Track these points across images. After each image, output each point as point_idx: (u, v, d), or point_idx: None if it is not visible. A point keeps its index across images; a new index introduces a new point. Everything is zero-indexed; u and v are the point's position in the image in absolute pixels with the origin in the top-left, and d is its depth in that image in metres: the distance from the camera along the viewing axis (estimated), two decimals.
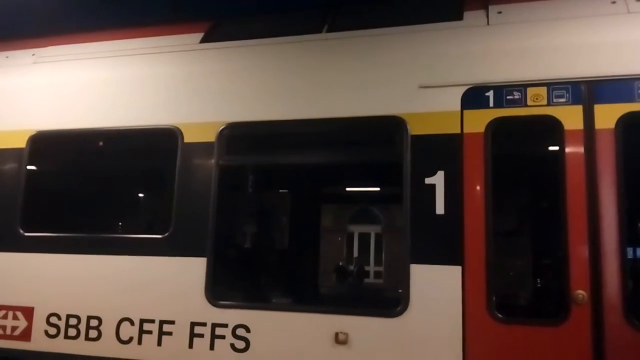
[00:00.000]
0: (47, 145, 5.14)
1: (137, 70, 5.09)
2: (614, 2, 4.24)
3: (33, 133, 5.08)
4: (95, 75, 5.17)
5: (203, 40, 5.12)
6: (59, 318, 4.69)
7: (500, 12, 4.46)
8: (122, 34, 5.49)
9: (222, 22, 5.41)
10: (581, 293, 3.70)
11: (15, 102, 5.27)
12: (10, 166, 5.11)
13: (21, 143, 5.09)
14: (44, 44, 5.67)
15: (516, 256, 5.70)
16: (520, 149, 4.93)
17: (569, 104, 3.97)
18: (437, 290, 3.93)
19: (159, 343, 4.41)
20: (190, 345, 4.34)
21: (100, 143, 5.25)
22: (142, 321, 4.49)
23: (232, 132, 4.61)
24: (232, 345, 4.26)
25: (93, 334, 4.59)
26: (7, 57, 5.68)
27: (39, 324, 4.73)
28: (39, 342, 4.70)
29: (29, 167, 5.08)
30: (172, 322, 4.41)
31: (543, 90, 4.03)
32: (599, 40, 4.08)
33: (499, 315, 3.83)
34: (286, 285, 6.24)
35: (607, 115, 3.88)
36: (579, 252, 3.77)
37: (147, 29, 5.51)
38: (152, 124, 4.83)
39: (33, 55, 5.57)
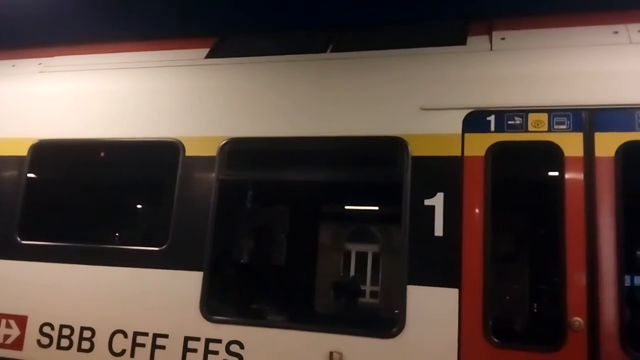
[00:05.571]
0: (49, 154, 5.14)
1: (142, 83, 5.12)
2: (616, 32, 4.30)
3: (35, 141, 5.10)
4: (100, 86, 5.20)
5: (208, 56, 5.16)
6: (52, 328, 4.64)
7: (503, 39, 4.51)
8: (128, 47, 5.54)
9: (227, 38, 5.46)
10: (578, 320, 3.69)
11: (19, 110, 5.29)
12: (10, 173, 5.11)
13: (23, 151, 5.10)
14: (51, 54, 5.71)
15: (514, 281, 5.68)
16: (520, 173, 4.94)
17: (569, 131, 3.99)
18: (434, 312, 3.91)
19: (152, 356, 4.36)
20: None
21: (102, 154, 5.26)
22: (135, 334, 4.45)
23: (233, 147, 4.62)
24: None
25: (86, 345, 4.54)
26: (13, 65, 5.72)
27: (31, 333, 4.68)
28: (31, 352, 4.65)
29: (29, 175, 5.08)
30: (166, 336, 4.38)
31: (544, 117, 4.05)
32: (601, 69, 4.12)
33: (495, 340, 3.81)
34: (282, 302, 6.21)
35: (607, 144, 3.91)
36: (576, 278, 3.76)
37: (153, 42, 5.56)
38: (154, 137, 4.85)
39: (39, 64, 5.60)
